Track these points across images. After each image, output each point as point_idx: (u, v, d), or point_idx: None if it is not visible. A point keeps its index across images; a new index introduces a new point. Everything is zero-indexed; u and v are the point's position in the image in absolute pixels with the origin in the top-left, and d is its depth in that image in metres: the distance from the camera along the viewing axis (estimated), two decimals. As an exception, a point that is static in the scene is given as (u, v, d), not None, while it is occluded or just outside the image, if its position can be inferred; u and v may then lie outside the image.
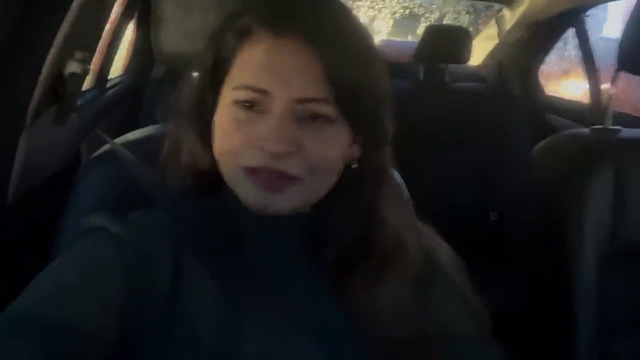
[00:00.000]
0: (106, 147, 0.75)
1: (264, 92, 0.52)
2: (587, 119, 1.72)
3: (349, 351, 0.53)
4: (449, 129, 2.00)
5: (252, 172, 0.53)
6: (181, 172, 0.60)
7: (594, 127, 1.18)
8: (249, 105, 0.53)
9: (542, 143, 1.24)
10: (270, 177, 0.53)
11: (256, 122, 0.53)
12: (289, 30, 0.53)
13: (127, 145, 0.74)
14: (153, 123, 0.84)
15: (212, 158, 0.57)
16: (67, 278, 0.50)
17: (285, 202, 0.54)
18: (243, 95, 0.53)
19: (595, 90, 1.78)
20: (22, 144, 0.80)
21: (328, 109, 0.53)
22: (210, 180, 0.59)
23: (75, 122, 1.00)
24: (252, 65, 0.54)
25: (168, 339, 0.51)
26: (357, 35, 0.57)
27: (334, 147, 0.55)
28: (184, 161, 0.60)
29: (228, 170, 0.56)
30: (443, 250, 0.63)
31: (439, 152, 2.01)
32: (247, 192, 0.54)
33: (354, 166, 0.59)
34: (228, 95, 0.55)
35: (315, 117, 0.53)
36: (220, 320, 0.52)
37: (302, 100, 0.52)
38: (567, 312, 1.06)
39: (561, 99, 2.26)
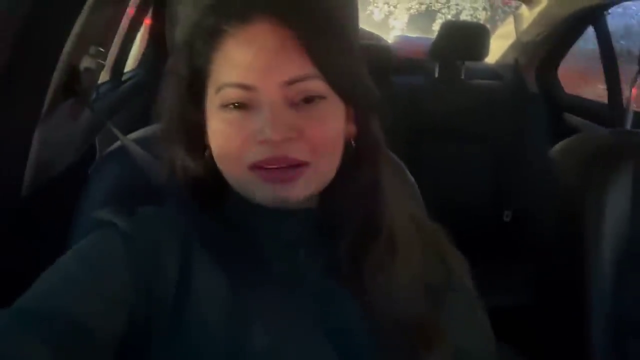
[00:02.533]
0: (119, 142, 0.75)
1: (248, 87, 0.51)
2: (607, 119, 1.69)
3: (359, 344, 0.53)
4: (464, 126, 1.98)
5: (259, 168, 0.52)
6: (182, 187, 0.59)
7: (612, 129, 1.16)
8: (238, 106, 0.52)
9: (561, 144, 1.23)
10: (278, 170, 0.52)
11: (250, 118, 0.52)
12: (257, 18, 0.52)
13: (140, 141, 0.74)
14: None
15: (206, 168, 0.57)
16: (75, 273, 0.50)
17: (298, 190, 0.53)
18: (229, 95, 0.52)
19: (615, 91, 1.75)
20: (37, 139, 0.80)
21: (318, 85, 0.53)
22: (211, 190, 0.58)
23: (89, 117, 1.00)
24: (230, 63, 0.52)
25: (176, 334, 0.51)
26: (326, 8, 0.56)
27: (332, 124, 0.54)
28: (180, 176, 0.59)
29: (233, 173, 0.55)
30: (455, 258, 0.62)
31: (454, 150, 1.99)
32: (259, 191, 0.54)
33: (353, 143, 0.58)
34: (213, 101, 0.54)
35: (309, 100, 0.53)
36: (229, 315, 0.52)
37: (289, 82, 0.51)
38: (580, 312, 1.06)
39: (580, 99, 2.22)
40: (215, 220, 0.57)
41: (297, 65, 0.52)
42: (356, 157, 0.58)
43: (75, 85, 0.85)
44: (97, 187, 0.74)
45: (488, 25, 2.26)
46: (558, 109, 2.14)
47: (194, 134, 0.57)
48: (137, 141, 0.74)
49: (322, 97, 0.53)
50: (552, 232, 1.25)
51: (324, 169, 0.55)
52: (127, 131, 0.78)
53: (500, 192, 1.99)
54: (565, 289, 1.16)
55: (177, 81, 0.57)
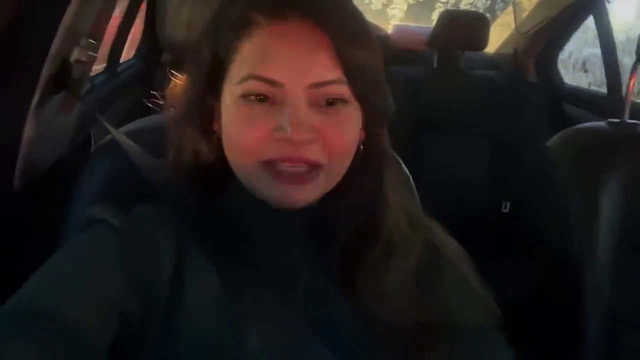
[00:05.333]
0: (112, 135, 0.74)
1: (276, 83, 0.50)
2: (606, 110, 1.68)
3: (353, 344, 0.53)
4: (463, 116, 1.97)
5: (273, 165, 0.52)
6: (186, 172, 0.58)
7: (610, 120, 1.16)
8: (260, 99, 0.51)
9: (558, 135, 1.23)
10: (292, 171, 0.51)
11: (271, 114, 0.51)
12: (292, 14, 0.51)
13: (133, 134, 0.73)
14: (163, 108, 0.83)
15: (217, 156, 0.56)
16: (67, 272, 0.49)
17: (307, 193, 0.53)
18: (254, 86, 0.51)
19: (614, 82, 1.74)
20: (27, 133, 0.79)
21: (342, 90, 0.52)
22: (214, 177, 0.57)
23: (82, 109, 0.99)
24: (260, 55, 0.51)
25: (170, 333, 0.50)
26: (357, 13, 0.55)
27: (351, 129, 0.54)
28: (188, 161, 0.58)
29: (244, 166, 0.54)
30: (450, 245, 0.61)
31: (452, 140, 1.99)
32: (267, 188, 0.53)
33: (362, 148, 0.58)
34: (234, 90, 0.52)
35: (331, 102, 0.52)
36: (224, 314, 0.51)
37: (316, 85, 0.51)
38: (577, 305, 1.06)
39: (580, 89, 2.22)
40: (210, 217, 0.56)
41: (328, 68, 0.51)
42: (362, 162, 0.57)
43: (66, 78, 0.83)
44: (89, 181, 0.73)
45: (487, 15, 2.23)
46: (557, 99, 2.13)
47: (208, 119, 0.56)
48: (131, 134, 0.73)
49: (344, 102, 0.53)
50: (549, 224, 1.25)
51: (335, 172, 0.55)
52: (123, 122, 0.77)
53: (499, 183, 1.98)
54: (561, 281, 1.16)
55: (197, 66, 0.56)
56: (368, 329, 0.53)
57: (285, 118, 0.50)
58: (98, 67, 1.53)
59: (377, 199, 0.57)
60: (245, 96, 0.52)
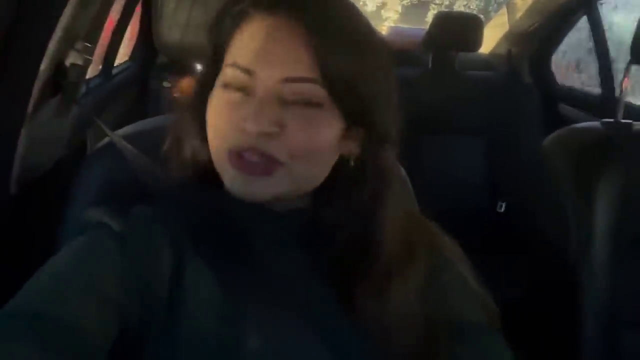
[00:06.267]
0: (108, 138, 0.74)
1: (249, 72, 0.51)
2: (600, 109, 1.69)
3: (351, 345, 0.53)
4: (458, 117, 1.98)
5: (236, 156, 0.52)
6: (183, 166, 0.59)
7: (605, 120, 1.16)
8: (238, 88, 0.52)
9: (553, 135, 1.23)
10: (251, 161, 0.52)
11: (242, 104, 0.52)
12: (282, 11, 0.52)
13: (130, 137, 0.73)
14: (160, 110, 0.83)
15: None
16: (67, 273, 0.49)
17: (266, 187, 0.53)
18: (232, 74, 0.53)
19: (607, 82, 1.75)
20: (24, 136, 0.79)
21: (315, 91, 0.52)
22: (210, 174, 0.57)
23: (78, 112, 0.99)
24: (243, 45, 0.53)
25: (169, 335, 0.50)
26: (357, 26, 0.55)
27: (319, 131, 0.53)
28: (185, 155, 0.59)
29: (215, 155, 0.55)
30: (449, 245, 0.61)
31: (447, 140, 1.99)
32: (230, 177, 0.53)
33: (352, 163, 0.57)
34: (220, 78, 0.54)
35: (304, 103, 0.52)
36: (222, 316, 0.51)
37: (287, 80, 0.51)
38: (574, 304, 1.06)
39: (574, 89, 2.22)
40: (208, 218, 0.56)
41: (304, 66, 0.51)
42: (354, 177, 0.57)
43: (62, 81, 0.83)
44: (85, 184, 0.73)
45: (481, 16, 2.24)
46: (552, 99, 2.14)
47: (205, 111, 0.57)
48: (127, 137, 0.73)
49: (319, 105, 0.52)
50: (545, 224, 1.25)
51: (299, 172, 0.54)
52: (119, 125, 0.77)
53: (494, 183, 1.99)
54: (557, 281, 1.16)
55: (205, 59, 0.57)
56: (366, 337, 0.52)
57: (248, 108, 0.51)
58: (93, 69, 1.53)
59: (371, 219, 0.56)
60: (225, 85, 0.53)
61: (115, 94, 1.56)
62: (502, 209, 1.96)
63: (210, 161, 0.57)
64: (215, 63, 0.56)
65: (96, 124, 0.77)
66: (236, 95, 0.52)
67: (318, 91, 0.52)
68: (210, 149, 0.56)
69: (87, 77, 1.18)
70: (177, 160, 0.60)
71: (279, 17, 0.52)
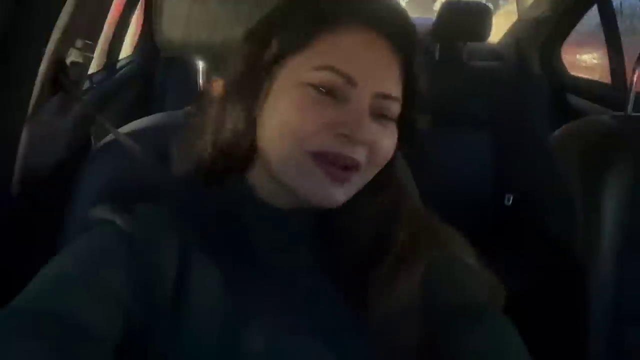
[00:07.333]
0: (112, 135, 0.74)
1: (349, 78, 0.52)
2: (609, 101, 1.67)
3: (354, 346, 0.53)
4: (465, 108, 1.96)
5: (320, 157, 0.52)
6: (221, 152, 0.57)
7: (614, 113, 1.15)
8: (326, 91, 0.53)
9: (562, 129, 1.22)
10: (336, 168, 0.53)
11: (334, 108, 0.52)
12: (377, 26, 0.54)
13: (133, 134, 0.73)
14: (164, 104, 0.82)
15: (253, 138, 0.56)
16: (72, 272, 0.49)
17: (342, 194, 0.54)
18: (328, 78, 0.52)
19: (618, 72, 1.72)
20: (25, 134, 0.79)
21: (396, 108, 0.56)
22: (213, 173, 0.57)
23: (81, 109, 0.99)
24: (339, 50, 0.53)
25: (174, 332, 0.51)
26: (416, 39, 0.59)
27: (391, 145, 0.56)
28: (221, 139, 0.57)
29: (290, 155, 0.53)
30: (454, 237, 0.61)
31: (455, 132, 1.97)
32: (310, 180, 0.53)
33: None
34: (301, 76, 0.53)
35: (384, 116, 0.55)
36: (226, 314, 0.51)
37: (382, 95, 0.54)
38: (580, 298, 1.06)
39: (583, 80, 2.19)
40: (213, 216, 0.56)
41: (394, 84, 0.55)
42: (386, 177, 0.59)
43: (63, 79, 0.83)
44: (90, 181, 0.73)
45: (490, 5, 2.20)
46: (561, 90, 2.11)
47: (255, 97, 0.56)
48: (131, 134, 0.73)
49: (392, 120, 0.56)
50: (553, 217, 1.24)
51: (366, 177, 0.56)
52: (125, 120, 0.77)
53: (502, 175, 1.97)
54: (564, 275, 1.16)
55: (256, 44, 0.56)
56: (367, 335, 0.52)
57: (351, 115, 0.52)
58: (97, 62, 1.53)
59: (398, 212, 0.58)
60: (312, 85, 0.53)
61: (118, 89, 1.55)
62: (510, 202, 1.94)
63: (251, 146, 0.56)
64: (277, 51, 0.55)
65: (99, 120, 0.77)
66: (322, 98, 0.53)
67: (397, 108, 0.56)
68: (277, 144, 0.54)
69: (91, 72, 1.18)
70: (216, 143, 0.58)
71: (374, 31, 0.54)
